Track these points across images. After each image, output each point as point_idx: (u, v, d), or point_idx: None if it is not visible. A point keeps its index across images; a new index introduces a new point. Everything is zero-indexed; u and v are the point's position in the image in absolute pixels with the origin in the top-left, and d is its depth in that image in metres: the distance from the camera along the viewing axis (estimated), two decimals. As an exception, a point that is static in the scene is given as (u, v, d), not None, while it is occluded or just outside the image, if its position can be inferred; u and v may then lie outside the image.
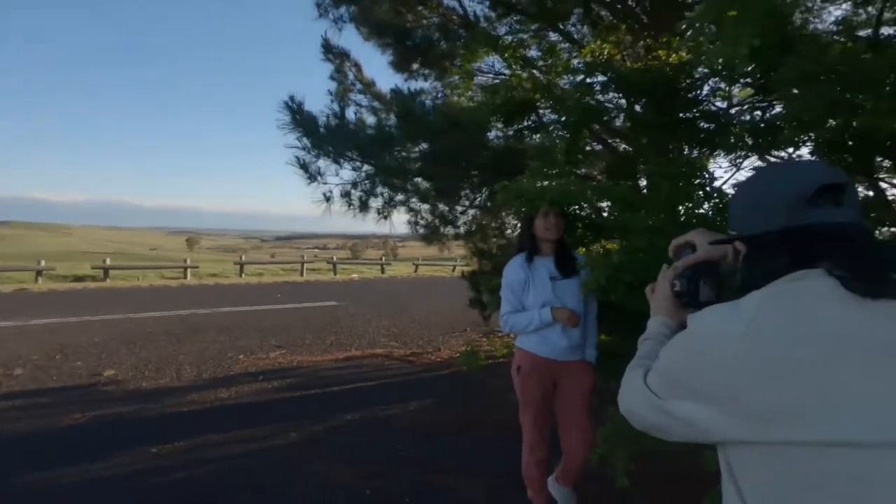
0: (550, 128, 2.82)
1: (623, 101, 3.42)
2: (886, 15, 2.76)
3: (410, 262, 23.65)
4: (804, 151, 2.75)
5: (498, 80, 5.14)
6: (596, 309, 2.40)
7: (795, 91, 2.18)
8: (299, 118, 3.46)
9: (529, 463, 2.38)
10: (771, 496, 0.60)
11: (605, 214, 2.54)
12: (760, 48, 2.12)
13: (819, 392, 0.57)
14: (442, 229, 4.61)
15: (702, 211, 2.31)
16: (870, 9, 3.03)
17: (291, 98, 3.54)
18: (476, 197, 4.14)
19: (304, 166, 3.71)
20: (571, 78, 3.48)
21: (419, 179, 3.85)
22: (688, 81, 2.96)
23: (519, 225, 2.50)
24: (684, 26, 3.25)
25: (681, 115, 2.96)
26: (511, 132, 3.52)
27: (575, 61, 3.12)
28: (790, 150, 2.70)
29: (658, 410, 0.75)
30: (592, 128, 3.21)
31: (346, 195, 3.97)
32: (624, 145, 4.24)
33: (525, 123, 3.52)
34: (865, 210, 2.91)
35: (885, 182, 2.68)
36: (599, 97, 3.12)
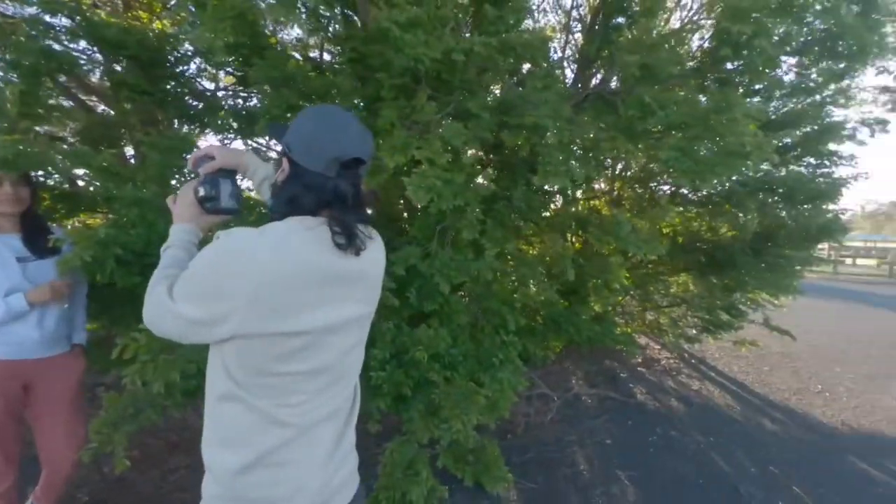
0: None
1: (100, 57, 3.00)
2: (327, 47, 3.67)
3: None
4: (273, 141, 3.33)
5: None
6: (86, 289, 2.11)
7: (267, 89, 2.63)
8: None
9: (-10, 499, 1.86)
10: (264, 366, 0.89)
11: (81, 184, 2.22)
12: (236, 45, 2.41)
13: (306, 301, 0.89)
14: None
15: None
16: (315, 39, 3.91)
17: None
18: None
19: None
20: (20, 9, 2.72)
21: None
22: (176, 54, 2.95)
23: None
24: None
25: (168, 87, 2.93)
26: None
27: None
28: (266, 138, 3.22)
29: (182, 320, 0.88)
30: (58, 78, 2.66)
31: None
32: (104, 107, 3.74)
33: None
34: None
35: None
36: (68, 44, 2.61)
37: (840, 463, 3.15)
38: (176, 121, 3.49)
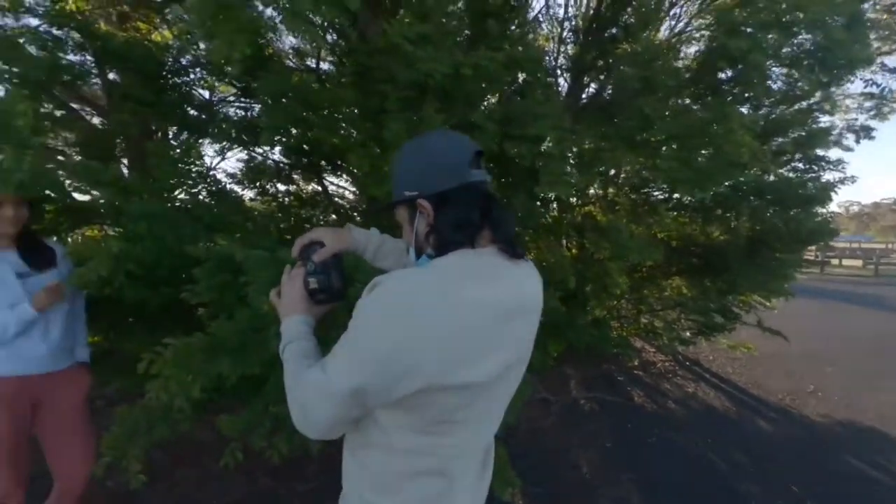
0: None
1: (93, 66, 3.01)
2: (324, 55, 3.70)
3: None
4: (277, 151, 3.36)
5: None
6: (83, 301, 2.10)
7: (269, 102, 2.65)
8: None
9: (0, 516, 1.84)
10: (431, 424, 0.81)
11: (86, 198, 2.22)
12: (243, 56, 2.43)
13: (487, 347, 0.80)
14: None
15: (201, 196, 2.44)
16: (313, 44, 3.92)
17: None
18: None
19: None
20: (16, 19, 2.72)
21: None
22: (174, 64, 2.96)
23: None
24: (168, 11, 3.20)
25: (169, 97, 2.94)
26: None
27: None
28: (268, 148, 3.24)
29: (346, 397, 0.77)
30: (53, 90, 2.66)
31: None
32: (98, 117, 3.74)
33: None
34: (314, 202, 3.90)
35: (326, 181, 3.70)
36: (73, 56, 2.61)
37: (836, 461, 3.22)
38: (172, 131, 3.50)
